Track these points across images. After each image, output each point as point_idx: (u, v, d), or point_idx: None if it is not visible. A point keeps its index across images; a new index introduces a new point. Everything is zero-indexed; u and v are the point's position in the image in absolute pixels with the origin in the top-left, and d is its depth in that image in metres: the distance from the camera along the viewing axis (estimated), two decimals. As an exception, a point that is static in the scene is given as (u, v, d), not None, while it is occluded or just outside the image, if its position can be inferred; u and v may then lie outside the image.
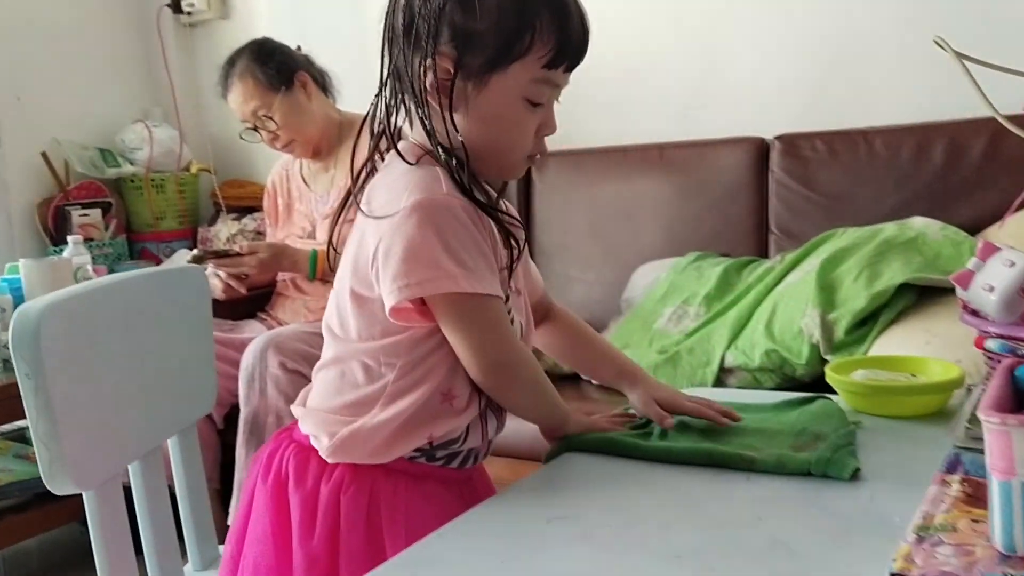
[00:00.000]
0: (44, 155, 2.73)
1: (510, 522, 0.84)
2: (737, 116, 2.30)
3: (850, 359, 1.27)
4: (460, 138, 0.89)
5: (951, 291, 1.70)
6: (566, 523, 0.82)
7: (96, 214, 2.75)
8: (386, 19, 0.92)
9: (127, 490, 1.12)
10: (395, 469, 0.91)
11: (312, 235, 2.31)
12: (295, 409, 0.98)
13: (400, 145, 0.92)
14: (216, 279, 2.15)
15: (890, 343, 1.51)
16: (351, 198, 0.96)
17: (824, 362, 1.63)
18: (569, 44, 0.89)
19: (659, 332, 1.92)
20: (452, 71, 0.87)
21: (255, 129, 2.23)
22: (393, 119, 0.93)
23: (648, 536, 0.78)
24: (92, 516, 1.05)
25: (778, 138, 2.17)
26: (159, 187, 2.86)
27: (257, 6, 2.95)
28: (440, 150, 0.90)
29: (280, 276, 2.31)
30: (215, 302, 2.30)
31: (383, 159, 0.95)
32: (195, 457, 1.32)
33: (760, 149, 2.19)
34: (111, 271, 2.52)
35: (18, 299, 2.10)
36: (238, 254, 2.12)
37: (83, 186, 2.79)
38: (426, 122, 0.90)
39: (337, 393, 0.93)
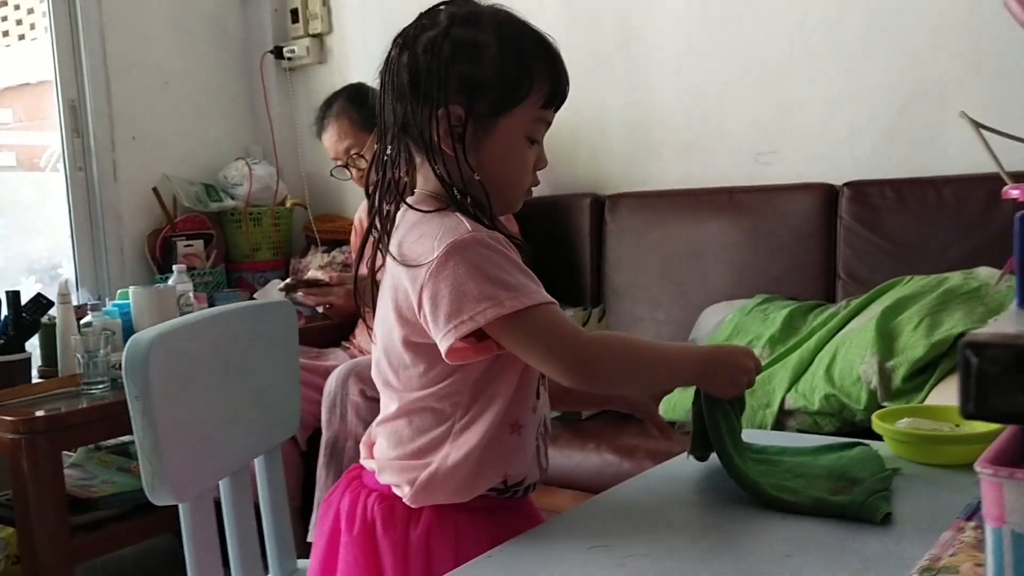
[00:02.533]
0: (155, 190, 2.94)
1: (553, 548, 0.90)
2: (806, 162, 2.33)
3: (896, 407, 1.31)
4: (477, 177, 0.95)
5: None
6: (604, 551, 0.88)
7: (199, 245, 2.94)
8: (384, 77, 0.99)
9: (217, 505, 1.24)
10: (475, 508, 0.96)
11: (394, 270, 2.44)
12: (365, 463, 1.02)
13: (411, 199, 0.98)
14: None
15: (948, 392, 1.53)
16: (367, 247, 1.03)
17: (881, 408, 1.66)
18: (560, 86, 0.99)
19: (722, 373, 1.97)
20: (464, 117, 0.94)
21: (346, 167, 2.38)
22: (397, 172, 0.98)
23: (681, 566, 0.83)
24: (186, 526, 1.16)
25: (847, 185, 2.20)
26: (256, 220, 3.04)
27: (352, 53, 3.13)
28: (455, 192, 0.95)
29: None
30: (302, 329, 2.46)
31: (390, 211, 1.00)
32: (279, 476, 1.44)
33: (829, 195, 2.22)
34: (210, 298, 2.69)
35: (127, 323, 2.27)
36: (327, 284, 2.26)
37: (188, 219, 2.99)
38: (437, 168, 0.95)
39: (409, 441, 0.97)
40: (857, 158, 2.25)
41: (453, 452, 0.94)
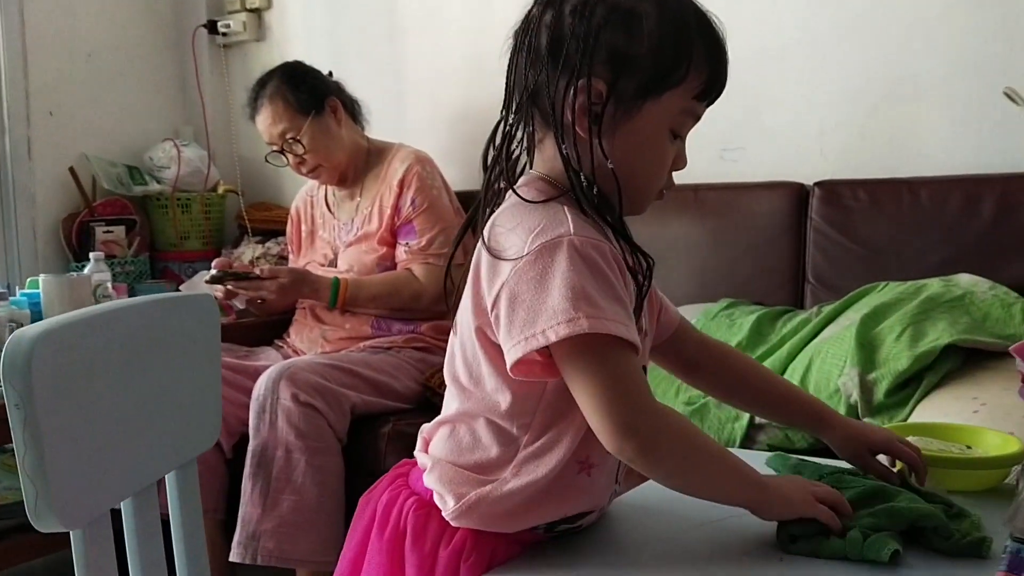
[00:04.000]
0: (72, 170, 2.71)
1: None
2: (775, 159, 2.22)
3: (901, 424, 1.19)
4: (610, 165, 0.82)
5: (1000, 356, 1.63)
6: None
7: (120, 231, 2.73)
8: (520, 37, 0.86)
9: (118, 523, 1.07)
10: (515, 538, 0.86)
11: (334, 263, 2.27)
12: (419, 456, 0.92)
13: (521, 181, 0.87)
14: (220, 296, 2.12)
15: (934, 408, 1.42)
16: (465, 228, 0.93)
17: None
18: (720, 76, 0.87)
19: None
20: (605, 95, 0.82)
21: (282, 152, 2.20)
22: (517, 146, 0.87)
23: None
24: (78, 556, 0.99)
25: (818, 184, 2.10)
26: (185, 207, 2.84)
27: (292, 30, 2.94)
28: (582, 178, 0.83)
29: (299, 303, 2.27)
30: (230, 326, 2.27)
31: (499, 189, 0.89)
32: (193, 494, 1.26)
33: (799, 195, 2.12)
34: (131, 289, 2.49)
35: (36, 314, 2.07)
36: (258, 277, 2.08)
37: (109, 203, 2.78)
38: (564, 148, 0.83)
39: (469, 451, 0.86)
40: (828, 156, 2.16)
41: (513, 480, 0.83)
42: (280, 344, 2.28)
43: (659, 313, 1.01)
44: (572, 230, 0.79)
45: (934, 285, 1.68)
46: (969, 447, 1.08)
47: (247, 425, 1.91)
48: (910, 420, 1.40)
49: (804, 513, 0.81)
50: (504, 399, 0.83)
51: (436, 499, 0.86)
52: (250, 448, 1.85)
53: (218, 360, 1.33)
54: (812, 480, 0.89)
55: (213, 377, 1.32)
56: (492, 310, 0.81)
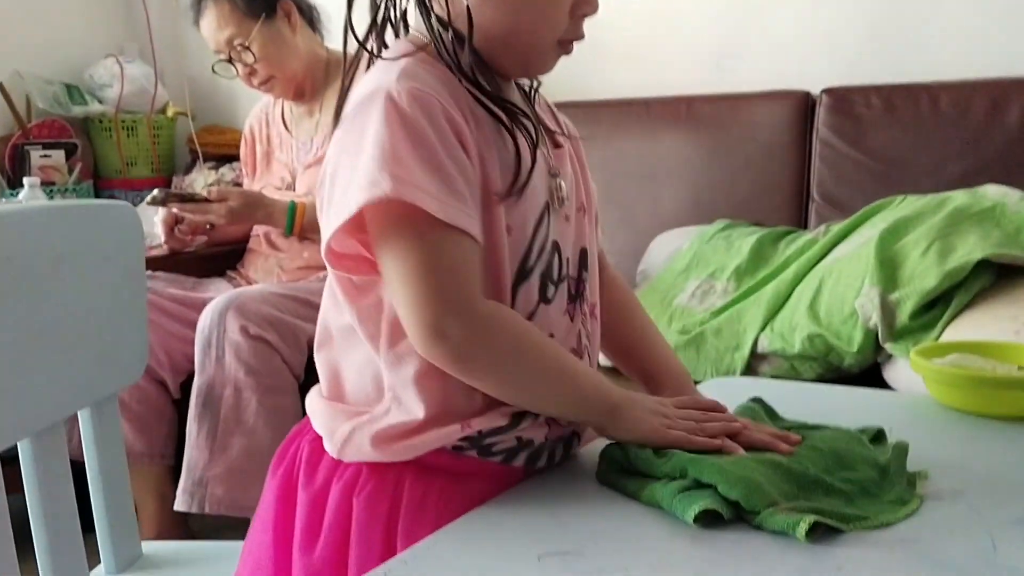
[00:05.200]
0: (2, 88, 2.47)
1: (492, 557, 0.60)
2: (778, 66, 2.05)
3: (939, 343, 1.02)
4: (465, 1, 0.70)
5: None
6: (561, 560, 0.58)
7: (59, 156, 2.50)
8: None
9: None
10: (432, 465, 0.72)
11: (292, 186, 2.06)
12: (307, 400, 0.80)
13: (392, 46, 0.74)
14: (164, 226, 1.91)
15: (967, 331, 1.25)
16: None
17: (879, 350, 1.37)
18: None
19: (681, 309, 1.66)
20: None
21: (230, 61, 1.97)
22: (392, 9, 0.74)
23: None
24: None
25: (826, 92, 1.92)
26: (130, 130, 2.60)
27: (246, -67, 2.67)
28: (437, 25, 0.71)
29: (254, 231, 2.06)
30: (176, 255, 2.07)
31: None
32: (114, 435, 1.08)
33: (804, 104, 1.94)
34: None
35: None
36: (205, 200, 1.87)
37: (45, 124, 2.53)
38: None
39: (333, 377, 0.77)
40: (837, 61, 1.98)
41: (382, 402, 0.72)
42: (233, 275, 2.08)
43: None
44: (394, 80, 0.66)
45: (959, 197, 1.50)
46: (1022, 368, 0.92)
47: (194, 362, 1.72)
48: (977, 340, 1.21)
49: (651, 440, 0.70)
50: (361, 303, 0.72)
51: (324, 442, 0.74)
52: (195, 386, 1.66)
53: (142, 280, 1.14)
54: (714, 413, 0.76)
55: (137, 300, 1.13)
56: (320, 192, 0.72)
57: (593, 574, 0.57)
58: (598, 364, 0.86)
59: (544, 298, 0.73)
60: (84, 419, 1.05)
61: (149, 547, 1.14)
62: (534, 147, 0.71)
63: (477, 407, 0.71)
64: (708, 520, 0.62)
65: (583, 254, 0.79)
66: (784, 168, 1.91)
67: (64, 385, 0.98)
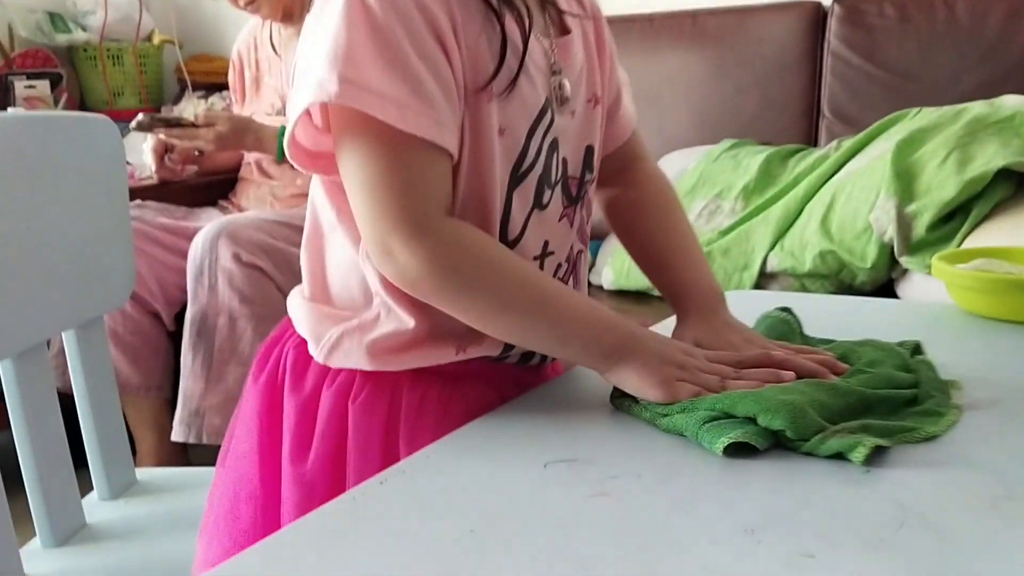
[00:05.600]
0: (-19, 16, 2.38)
1: (497, 465, 0.56)
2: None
3: (962, 250, 0.97)
4: None
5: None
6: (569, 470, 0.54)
7: (44, 86, 2.42)
8: None
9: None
10: (428, 368, 0.67)
11: (282, 112, 1.98)
12: (288, 300, 0.74)
13: None
14: (154, 155, 1.84)
15: (985, 242, 1.19)
16: None
17: (893, 266, 1.32)
18: None
19: (687, 229, 1.61)
20: None
21: (214, -19, 1.89)
22: None
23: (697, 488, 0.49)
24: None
25: (838, 2, 1.83)
26: (116, 59, 2.52)
27: None
28: None
29: (245, 159, 2.00)
30: (167, 184, 2.01)
31: None
32: (101, 359, 1.05)
33: (815, 16, 1.85)
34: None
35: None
36: (192, 124, 1.80)
37: (29, 54, 2.45)
38: None
39: (318, 276, 0.70)
40: (849, -31, 1.86)
41: (371, 307, 0.66)
42: (225, 204, 2.02)
43: (611, 109, 0.76)
44: None
45: (977, 107, 1.44)
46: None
47: (188, 293, 1.67)
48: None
49: (655, 396, 0.60)
50: (333, 212, 0.66)
51: (309, 347, 0.68)
52: (188, 316, 1.62)
53: (125, 199, 1.09)
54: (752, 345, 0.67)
55: (120, 220, 1.08)
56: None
57: (604, 481, 0.53)
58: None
59: (539, 203, 0.66)
60: (69, 341, 1.01)
61: (143, 474, 1.11)
62: (525, 35, 0.63)
63: (469, 328, 0.64)
64: (739, 451, 0.55)
65: (588, 152, 0.71)
66: (794, 84, 1.83)
67: (46, 305, 0.93)
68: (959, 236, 1.24)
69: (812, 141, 1.82)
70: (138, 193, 1.93)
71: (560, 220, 0.69)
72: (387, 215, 0.58)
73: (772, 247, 1.45)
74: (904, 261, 1.26)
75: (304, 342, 0.69)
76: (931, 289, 1.15)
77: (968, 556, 0.43)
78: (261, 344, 0.77)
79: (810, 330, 0.77)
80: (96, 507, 1.02)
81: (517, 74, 0.62)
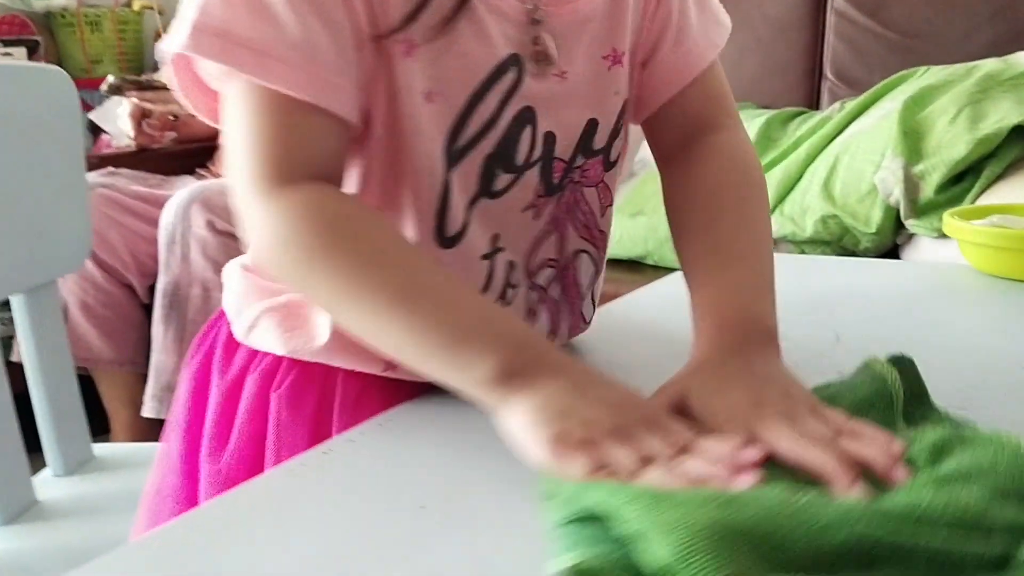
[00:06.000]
0: (-46, -21, 2.30)
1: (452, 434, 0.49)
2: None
3: (975, 207, 0.90)
4: None
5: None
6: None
7: (21, 53, 2.34)
8: None
9: None
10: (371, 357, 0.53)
11: (263, 77, 1.91)
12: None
13: None
14: (131, 120, 1.77)
15: (999, 201, 1.12)
16: None
17: (898, 231, 1.25)
18: None
19: (683, 195, 1.54)
20: None
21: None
22: None
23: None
24: None
25: (842, -42, 1.74)
26: (94, 25, 2.43)
27: None
28: None
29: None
30: (143, 152, 1.94)
31: None
32: (53, 327, 0.98)
33: (817, -27, 1.76)
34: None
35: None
36: (165, 87, 1.73)
37: (5, 20, 2.37)
38: None
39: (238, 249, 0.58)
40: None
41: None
42: (203, 173, 1.95)
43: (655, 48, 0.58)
44: None
45: (989, 64, 1.36)
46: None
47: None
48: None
49: (533, 454, 0.40)
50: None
51: (231, 324, 0.59)
52: (159, 286, 1.55)
53: (80, 157, 1.03)
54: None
55: (75, 179, 1.01)
56: None
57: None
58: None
59: (486, 191, 0.52)
60: (18, 306, 0.94)
61: (101, 449, 1.04)
62: None
63: None
64: None
65: (591, 128, 0.55)
66: (795, 44, 1.75)
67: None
68: (970, 197, 1.17)
69: (814, 104, 1.75)
70: (113, 160, 1.85)
71: (522, 211, 0.54)
72: (243, 172, 0.47)
73: (771, 212, 1.38)
74: (911, 224, 1.19)
75: None
76: (940, 254, 1.08)
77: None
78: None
79: (808, 296, 0.68)
80: (49, 484, 0.95)
81: (451, 18, 0.48)
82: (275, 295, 0.55)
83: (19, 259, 0.91)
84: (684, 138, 0.58)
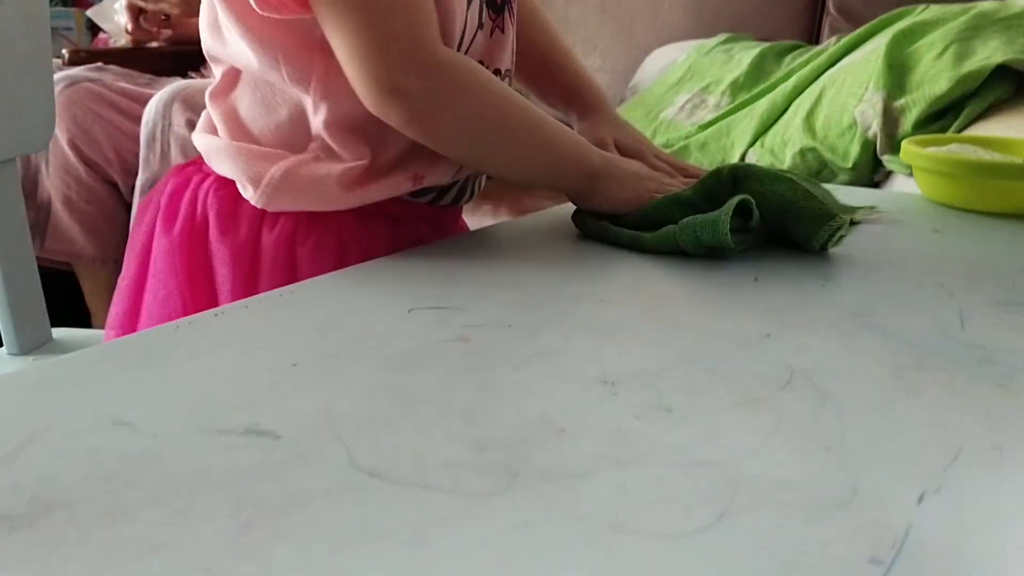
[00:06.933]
0: None
1: (354, 305, 0.50)
2: None
3: (938, 136, 0.89)
4: None
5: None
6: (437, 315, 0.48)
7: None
8: None
9: None
10: (372, 211, 0.65)
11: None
12: (196, 138, 0.68)
13: None
14: (128, 12, 1.75)
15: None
16: None
17: (877, 166, 1.24)
18: None
19: (667, 122, 1.52)
20: None
21: None
22: None
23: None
24: None
25: None
26: (95, -80, 2.39)
27: None
28: None
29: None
30: (140, 51, 1.92)
31: None
32: (12, 206, 0.98)
33: (826, -98, 1.71)
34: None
35: None
36: (157, -15, 1.71)
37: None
38: None
39: (234, 118, 0.64)
40: None
41: (323, 135, 0.61)
42: (194, 76, 1.93)
43: None
44: None
45: (986, 4, 1.32)
46: (1030, 160, 0.79)
47: (145, 161, 1.60)
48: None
49: (634, 207, 0.64)
50: (273, 36, 0.60)
51: (240, 190, 0.63)
52: (138, 184, 1.55)
53: (45, 31, 1.01)
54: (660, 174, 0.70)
55: (39, 53, 1.00)
56: None
57: (469, 328, 0.47)
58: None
59: (480, 23, 0.64)
60: (-27, 181, 0.95)
61: (60, 333, 1.06)
62: None
63: (425, 158, 0.63)
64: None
65: None
66: (797, -24, 1.71)
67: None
68: (948, 135, 1.15)
69: (814, 39, 1.71)
70: (102, 56, 1.84)
71: (492, 35, 0.66)
72: (390, 49, 0.54)
73: (752, 143, 1.36)
74: (886, 160, 1.17)
75: (226, 185, 0.64)
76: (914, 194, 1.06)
77: (851, 419, 0.37)
78: (153, 194, 0.70)
79: None
80: (4, 361, 0.97)
81: None
82: (284, 158, 0.61)
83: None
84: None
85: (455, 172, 0.67)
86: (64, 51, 1.85)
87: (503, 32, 0.67)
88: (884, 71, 1.20)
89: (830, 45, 1.48)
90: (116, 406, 0.36)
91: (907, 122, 1.15)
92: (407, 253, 0.61)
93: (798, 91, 1.37)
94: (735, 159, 1.36)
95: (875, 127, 1.17)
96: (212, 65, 0.67)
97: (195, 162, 0.70)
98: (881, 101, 1.17)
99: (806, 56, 1.48)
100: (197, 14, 1.81)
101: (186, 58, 1.96)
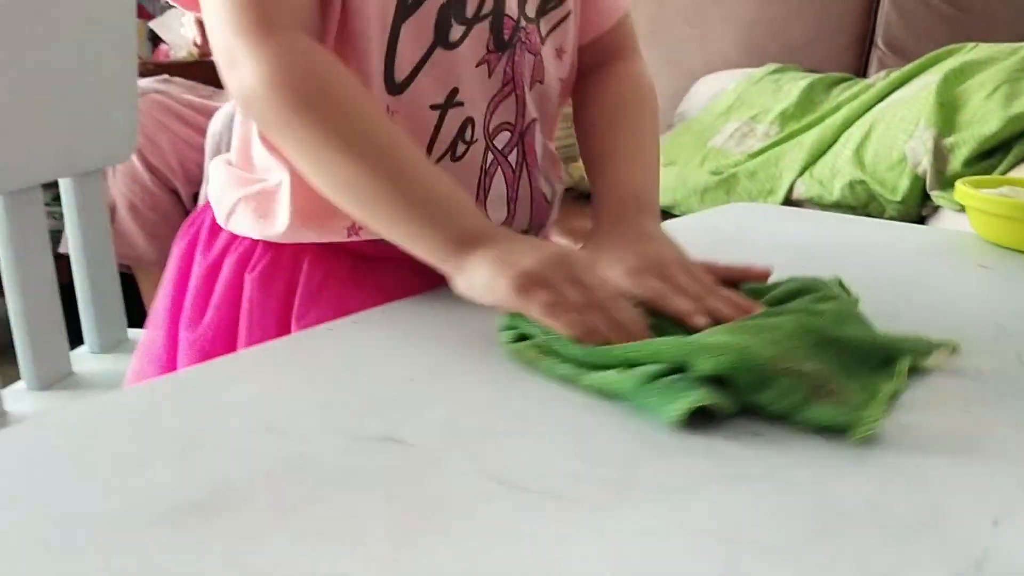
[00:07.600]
0: None
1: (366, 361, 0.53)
2: None
3: (991, 177, 0.92)
4: None
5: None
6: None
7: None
8: None
9: None
10: (335, 245, 0.62)
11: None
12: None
13: None
14: (197, 26, 1.81)
15: (1024, 182, 1.13)
16: None
17: (924, 203, 1.27)
18: None
19: (715, 150, 1.55)
20: None
21: None
22: None
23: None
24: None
25: (904, -76, 1.72)
26: (160, -65, 2.47)
27: None
28: None
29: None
30: (202, 64, 1.99)
31: None
32: (97, 211, 1.04)
33: (877, -62, 1.74)
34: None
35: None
36: None
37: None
38: None
39: (245, 143, 0.64)
40: None
41: (265, 162, 0.60)
42: (254, 89, 1.99)
43: None
44: None
45: (1038, 44, 1.35)
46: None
47: (207, 172, 1.67)
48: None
49: (500, 297, 0.48)
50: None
51: (214, 211, 0.66)
52: (202, 193, 1.61)
53: (132, 50, 1.07)
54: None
55: (126, 72, 1.06)
56: None
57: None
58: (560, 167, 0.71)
59: (442, 40, 0.57)
60: (65, 189, 1.01)
61: (135, 334, 1.11)
62: None
63: None
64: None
65: None
66: (847, 9, 1.74)
67: (43, 147, 0.93)
68: (996, 174, 1.18)
69: (861, 72, 1.74)
70: (168, 68, 1.91)
71: (476, 66, 0.59)
72: (235, 17, 0.51)
73: (801, 173, 1.39)
74: (935, 196, 1.20)
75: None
76: (962, 229, 1.09)
77: (928, 448, 0.40)
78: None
79: (826, 255, 0.70)
80: (85, 359, 1.03)
81: None
82: (251, 184, 0.62)
83: (67, 144, 0.97)
84: (599, 63, 0.69)
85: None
86: (131, 62, 1.92)
87: (489, 74, 0.60)
88: (935, 109, 1.23)
89: (879, 79, 1.51)
90: (263, 412, 0.41)
91: (956, 160, 1.18)
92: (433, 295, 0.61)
93: (848, 123, 1.40)
94: (783, 189, 1.39)
95: (925, 163, 1.20)
96: None
97: None
98: (932, 138, 1.20)
99: (855, 89, 1.52)
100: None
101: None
